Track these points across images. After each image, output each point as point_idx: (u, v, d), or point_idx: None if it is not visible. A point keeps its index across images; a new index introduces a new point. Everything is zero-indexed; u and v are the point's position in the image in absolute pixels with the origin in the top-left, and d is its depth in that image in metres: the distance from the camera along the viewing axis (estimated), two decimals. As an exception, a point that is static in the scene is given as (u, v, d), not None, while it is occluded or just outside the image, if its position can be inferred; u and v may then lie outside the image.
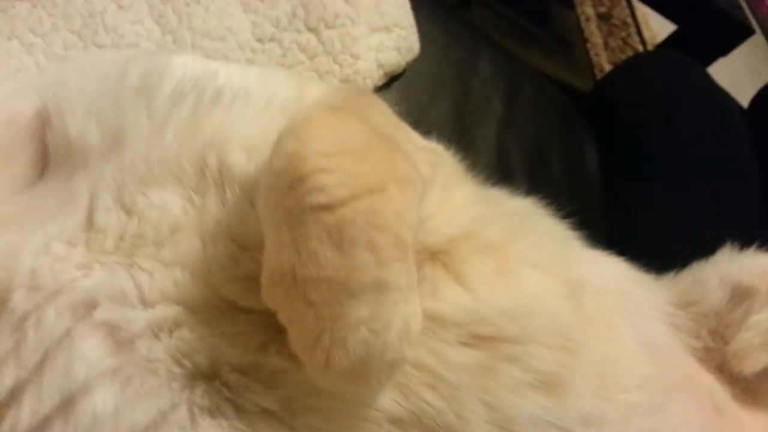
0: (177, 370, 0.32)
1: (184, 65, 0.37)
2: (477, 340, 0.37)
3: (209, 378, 0.33)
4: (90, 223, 0.33)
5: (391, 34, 0.67)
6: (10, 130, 0.35)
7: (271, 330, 0.34)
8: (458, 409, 0.35)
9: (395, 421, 0.35)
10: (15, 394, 0.30)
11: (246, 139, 0.35)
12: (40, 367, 0.30)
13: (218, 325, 0.34)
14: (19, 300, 0.31)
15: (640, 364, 0.42)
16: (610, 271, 0.49)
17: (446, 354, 0.36)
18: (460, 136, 0.73)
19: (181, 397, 0.32)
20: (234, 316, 0.34)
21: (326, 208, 0.29)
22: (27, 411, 0.30)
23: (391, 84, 0.69)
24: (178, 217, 0.34)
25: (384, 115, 0.41)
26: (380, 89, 0.68)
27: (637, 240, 0.74)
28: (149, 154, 0.34)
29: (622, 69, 1.01)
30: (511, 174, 0.75)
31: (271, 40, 0.61)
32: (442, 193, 0.40)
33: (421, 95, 0.72)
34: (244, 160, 0.35)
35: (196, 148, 0.35)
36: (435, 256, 0.38)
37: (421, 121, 0.71)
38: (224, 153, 0.35)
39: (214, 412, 0.32)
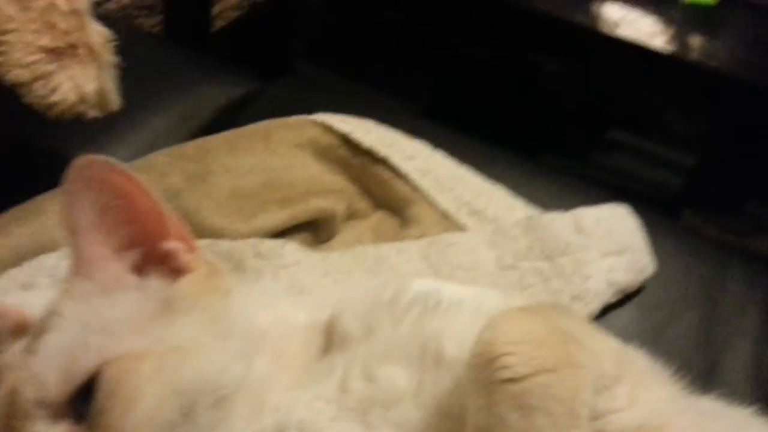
0: None
1: (420, 284, 0.54)
2: None
3: None
4: (343, 387, 0.48)
5: (622, 257, 0.76)
6: (313, 331, 0.55)
7: None
8: None
9: None
10: None
11: (457, 335, 0.48)
12: None
13: None
14: None
15: None
16: None
17: None
18: (705, 354, 0.74)
19: None
20: None
21: (511, 381, 0.39)
22: None
23: (627, 301, 0.76)
24: (402, 388, 0.47)
25: (574, 320, 0.50)
26: (615, 306, 0.75)
27: None
28: (389, 340, 0.49)
29: None
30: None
31: (511, 267, 0.75)
32: (633, 391, 0.45)
33: (659, 313, 0.76)
34: (455, 351, 0.47)
35: (421, 339, 0.49)
36: None
37: (659, 337, 0.74)
38: (441, 344, 0.48)
39: None
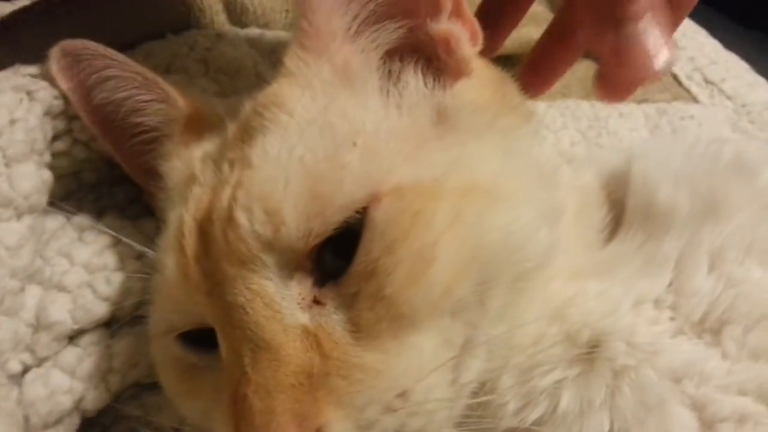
0: None
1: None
2: None
3: None
4: (678, 286, 0.32)
5: None
6: (586, 195, 0.37)
7: None
8: None
9: None
10: None
11: None
12: (633, 421, 0.29)
13: None
14: (619, 352, 0.30)
15: None
16: None
17: None
18: None
19: None
20: None
21: None
22: None
23: None
24: None
25: None
26: None
27: None
28: (757, 228, 0.32)
29: None
30: None
31: None
32: None
33: None
34: None
35: None
36: None
37: None
38: None
39: None
